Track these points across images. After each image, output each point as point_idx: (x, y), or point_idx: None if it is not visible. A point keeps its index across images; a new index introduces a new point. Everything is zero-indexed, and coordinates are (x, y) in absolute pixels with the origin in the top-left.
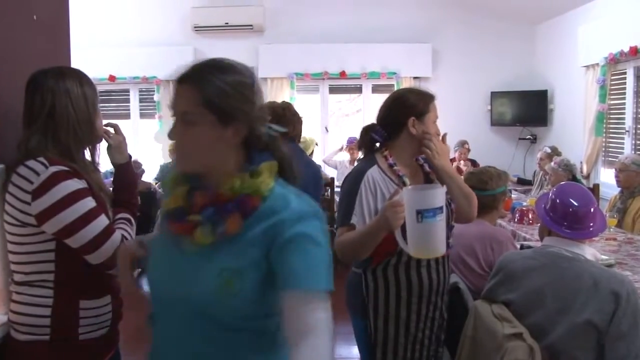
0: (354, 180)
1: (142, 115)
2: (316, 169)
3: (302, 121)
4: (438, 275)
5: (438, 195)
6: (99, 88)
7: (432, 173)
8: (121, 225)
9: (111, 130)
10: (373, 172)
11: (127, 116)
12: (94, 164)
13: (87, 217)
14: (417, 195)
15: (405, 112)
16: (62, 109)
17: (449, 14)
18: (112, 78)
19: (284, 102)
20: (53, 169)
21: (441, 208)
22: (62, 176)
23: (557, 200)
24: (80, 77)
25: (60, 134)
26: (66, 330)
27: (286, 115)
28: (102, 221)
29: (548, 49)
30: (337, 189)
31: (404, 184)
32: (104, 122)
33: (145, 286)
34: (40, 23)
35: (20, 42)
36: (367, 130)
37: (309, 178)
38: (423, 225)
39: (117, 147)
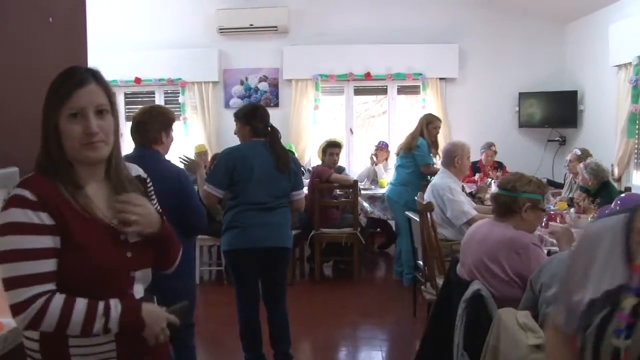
0: None
1: None
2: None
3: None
4: None
5: None
6: (125, 90)
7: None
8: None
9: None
10: None
11: None
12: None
13: (11, 256)
14: None
15: None
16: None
17: (476, 14)
18: (137, 80)
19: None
20: (15, 191)
21: None
22: (16, 202)
23: None
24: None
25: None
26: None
27: (152, 115)
28: (28, 268)
29: (578, 48)
30: (364, 192)
31: None
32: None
33: None
34: (56, 25)
35: (36, 45)
36: None
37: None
38: None
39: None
